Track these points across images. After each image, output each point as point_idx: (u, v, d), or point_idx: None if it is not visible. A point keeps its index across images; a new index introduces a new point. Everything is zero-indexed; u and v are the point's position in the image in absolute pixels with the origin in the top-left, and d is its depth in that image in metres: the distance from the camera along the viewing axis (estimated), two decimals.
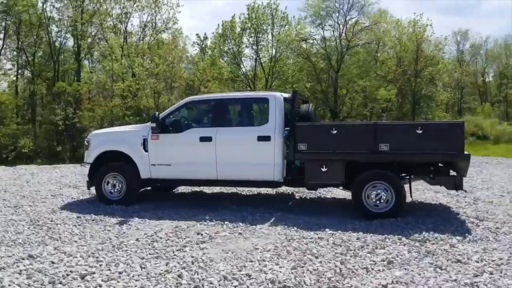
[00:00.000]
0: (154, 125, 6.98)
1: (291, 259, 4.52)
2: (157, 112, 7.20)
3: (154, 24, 31.05)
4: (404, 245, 5.02)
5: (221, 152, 6.92)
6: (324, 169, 6.48)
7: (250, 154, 6.85)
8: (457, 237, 5.26)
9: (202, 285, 3.84)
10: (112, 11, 29.87)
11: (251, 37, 32.41)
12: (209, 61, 30.47)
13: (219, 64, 32.28)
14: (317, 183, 6.88)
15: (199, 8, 65.55)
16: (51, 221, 6.22)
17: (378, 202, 6.33)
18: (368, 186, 6.37)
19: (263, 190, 8.72)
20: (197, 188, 8.93)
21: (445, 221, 6.12)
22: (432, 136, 6.09)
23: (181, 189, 9.13)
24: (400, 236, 5.30)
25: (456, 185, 6.39)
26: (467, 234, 5.41)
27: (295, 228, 5.83)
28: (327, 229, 5.70)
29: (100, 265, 4.33)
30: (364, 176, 6.40)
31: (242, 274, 4.07)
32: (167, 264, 4.40)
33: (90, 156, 7.60)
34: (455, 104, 45.67)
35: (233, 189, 8.84)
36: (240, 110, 7.39)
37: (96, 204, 7.45)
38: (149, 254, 4.76)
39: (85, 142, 7.86)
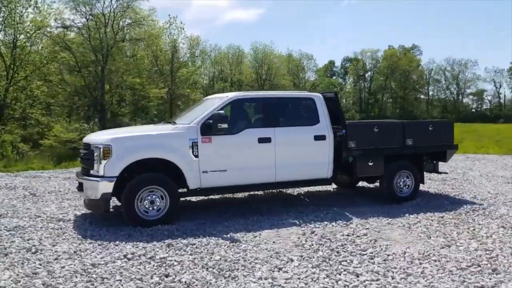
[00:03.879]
0: (225, 126, 6.03)
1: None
2: (222, 111, 6.15)
3: None
4: (467, 217, 6.58)
5: (280, 153, 6.68)
6: (370, 163, 7.31)
7: (307, 154, 6.91)
8: (474, 207, 7.16)
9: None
10: None
11: None
12: None
13: None
14: (365, 176, 7.65)
15: None
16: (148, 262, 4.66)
17: (403, 187, 7.64)
18: (397, 175, 7.59)
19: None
20: None
21: (443, 198, 8.01)
22: (437, 132, 7.87)
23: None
24: (460, 212, 6.86)
25: (434, 169, 8.39)
26: (475, 205, 7.32)
27: (373, 218, 6.45)
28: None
29: (337, 282, 4.13)
30: (395, 167, 7.58)
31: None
32: (385, 267, 4.50)
33: (114, 167, 5.75)
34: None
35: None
36: (290, 110, 7.14)
37: (109, 228, 5.81)
38: (344, 265, 4.58)
39: (97, 148, 5.81)
